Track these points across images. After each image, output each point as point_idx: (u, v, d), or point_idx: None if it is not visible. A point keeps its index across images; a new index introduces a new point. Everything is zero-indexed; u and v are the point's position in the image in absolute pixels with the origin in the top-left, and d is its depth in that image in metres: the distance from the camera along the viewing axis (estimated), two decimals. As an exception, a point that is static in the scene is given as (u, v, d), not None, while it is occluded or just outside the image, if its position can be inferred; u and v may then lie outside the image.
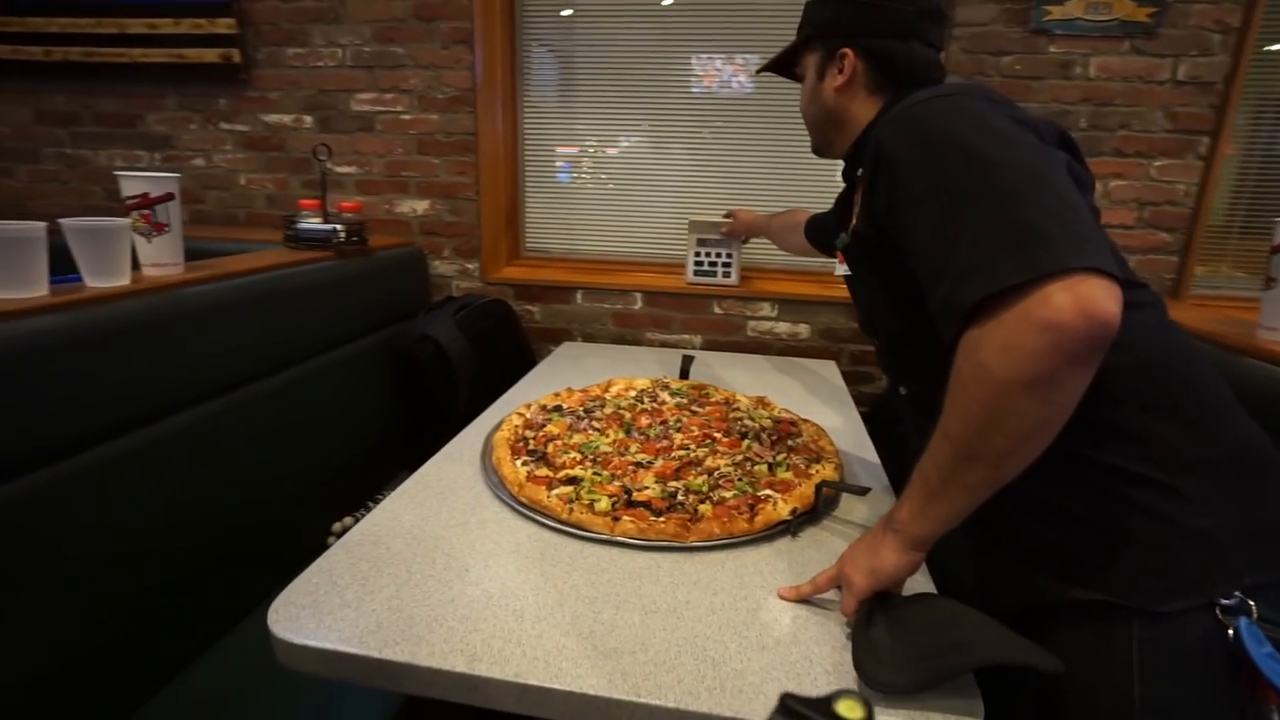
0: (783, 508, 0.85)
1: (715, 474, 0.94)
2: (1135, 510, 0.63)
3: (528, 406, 1.16)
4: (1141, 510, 0.62)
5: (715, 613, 0.68)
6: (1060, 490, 0.65)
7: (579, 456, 0.98)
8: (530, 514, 0.85)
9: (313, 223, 1.45)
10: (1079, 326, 0.47)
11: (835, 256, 0.86)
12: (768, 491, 0.89)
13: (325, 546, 0.77)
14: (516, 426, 1.07)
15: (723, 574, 0.75)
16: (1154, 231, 1.56)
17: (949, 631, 0.60)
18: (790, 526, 0.84)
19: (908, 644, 0.59)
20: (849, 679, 0.60)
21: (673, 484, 0.90)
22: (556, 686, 0.58)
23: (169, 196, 1.02)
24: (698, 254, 1.74)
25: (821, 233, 1.29)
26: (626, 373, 1.38)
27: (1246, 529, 0.61)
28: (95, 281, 0.93)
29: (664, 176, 1.82)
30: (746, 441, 1.04)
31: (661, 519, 0.82)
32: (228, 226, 1.94)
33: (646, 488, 0.89)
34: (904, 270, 0.64)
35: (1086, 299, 0.47)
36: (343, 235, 1.44)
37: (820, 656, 0.63)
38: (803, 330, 1.75)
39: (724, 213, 1.69)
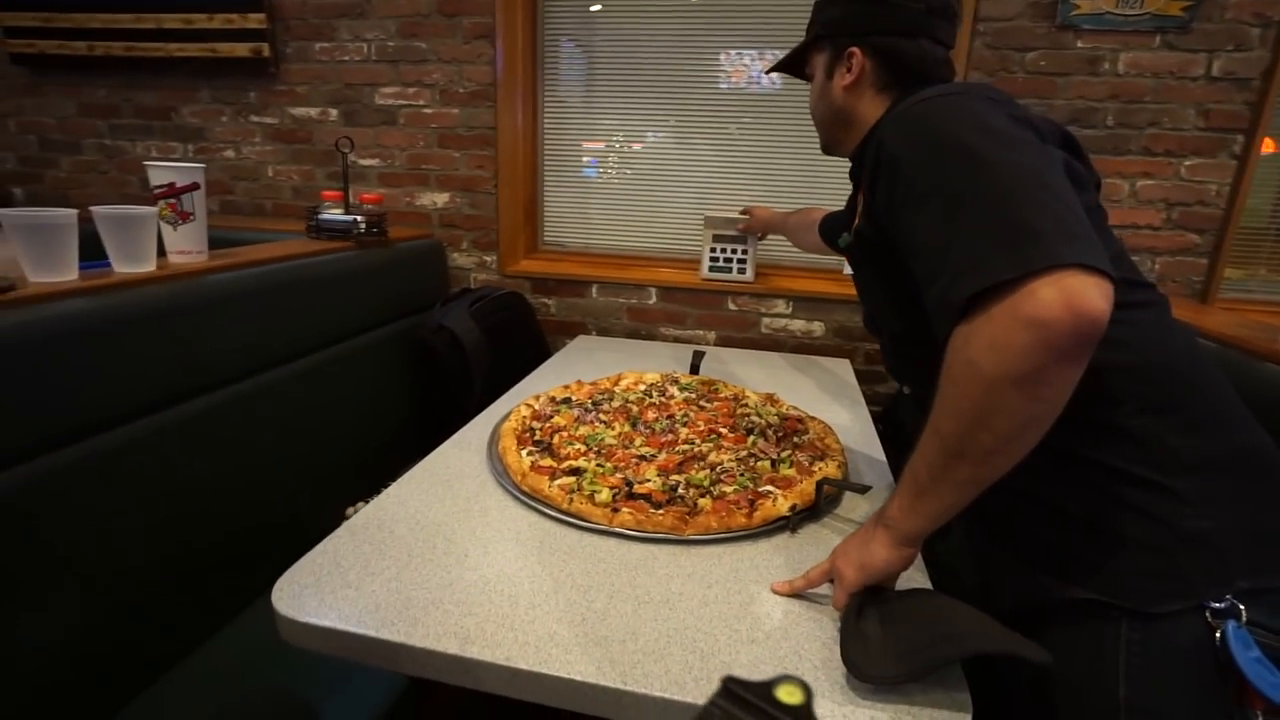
0: (782, 504, 0.85)
1: (717, 469, 0.94)
2: (1133, 511, 0.62)
3: (536, 398, 1.18)
4: (1139, 511, 0.62)
5: (708, 605, 0.69)
6: (1058, 490, 0.65)
7: (583, 448, 0.99)
8: (532, 503, 0.86)
9: (334, 214, 1.48)
10: (1066, 322, 0.47)
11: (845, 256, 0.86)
12: (769, 487, 0.89)
13: (338, 530, 0.79)
14: (524, 417, 1.09)
15: (719, 568, 0.76)
16: (1182, 233, 1.52)
17: (939, 624, 0.60)
18: (789, 523, 0.84)
19: (898, 637, 0.59)
20: (838, 674, 0.60)
21: (674, 477, 0.91)
22: (546, 671, 0.59)
23: (194, 186, 1.06)
24: (713, 250, 1.74)
25: (834, 231, 1.28)
26: (639, 367, 1.39)
27: (1246, 533, 0.60)
28: (123, 267, 0.97)
29: (682, 172, 1.82)
30: (752, 437, 1.05)
31: (660, 511, 0.82)
32: (255, 217, 2.00)
33: (648, 480, 0.90)
34: (905, 270, 0.64)
35: (1074, 294, 0.47)
36: (363, 226, 1.47)
37: (810, 651, 0.63)
38: (817, 328, 1.74)
39: (740, 209, 1.69)
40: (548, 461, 0.94)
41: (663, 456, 0.98)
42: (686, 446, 1.02)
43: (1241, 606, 0.57)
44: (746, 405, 1.19)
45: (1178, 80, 1.44)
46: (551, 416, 1.10)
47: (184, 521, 0.99)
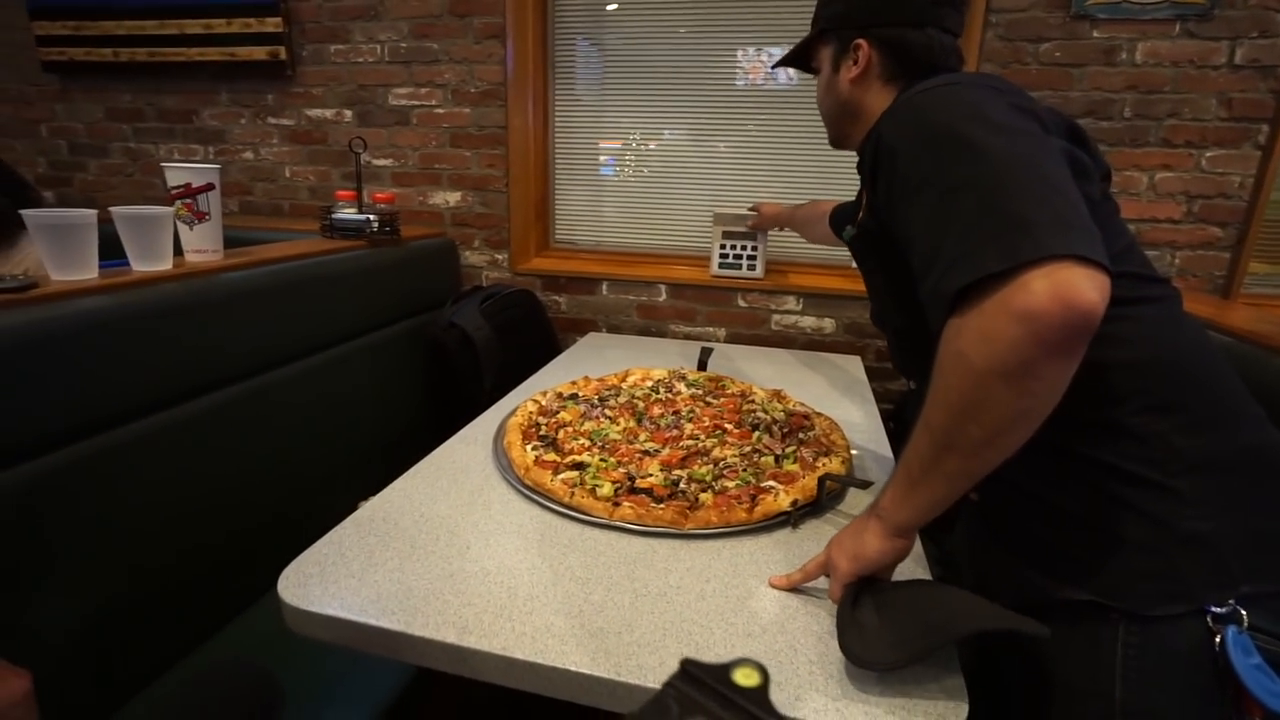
0: (783, 499, 0.85)
1: (720, 464, 0.94)
2: (1131, 511, 0.61)
3: (543, 394, 1.19)
4: (1137, 511, 0.61)
5: (705, 599, 0.69)
6: (1057, 487, 0.64)
7: (588, 443, 1.00)
8: (534, 497, 0.87)
9: (348, 213, 1.51)
10: (1056, 314, 0.46)
11: None
12: (771, 483, 0.89)
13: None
14: (530, 412, 1.10)
15: (718, 562, 0.76)
16: (1204, 226, 1.48)
17: (935, 610, 0.60)
18: (791, 518, 0.84)
19: (894, 623, 0.59)
20: (835, 668, 0.60)
21: (677, 472, 0.91)
22: (541, 661, 0.59)
23: (209, 186, 1.08)
24: (723, 247, 1.73)
25: (843, 223, 1.27)
26: (648, 364, 1.40)
27: (1249, 535, 0.59)
28: (141, 266, 0.99)
29: (692, 170, 1.82)
30: (757, 434, 1.04)
31: (661, 506, 0.83)
32: (273, 217, 2.04)
33: (650, 475, 0.90)
34: (905, 264, 0.64)
35: (1066, 287, 0.46)
36: (375, 225, 1.50)
37: (805, 646, 0.63)
38: (828, 325, 1.73)
39: (748, 206, 1.68)
40: (551, 456, 0.95)
41: (666, 452, 0.98)
42: (691, 442, 1.02)
43: (1243, 611, 0.56)
44: (753, 401, 1.19)
45: (1198, 69, 1.41)
46: (557, 412, 1.11)
47: (197, 515, 1.01)
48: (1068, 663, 0.62)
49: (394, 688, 0.93)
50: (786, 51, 0.96)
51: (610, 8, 1.75)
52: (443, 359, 1.58)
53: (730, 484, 0.89)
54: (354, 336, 1.40)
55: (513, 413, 1.11)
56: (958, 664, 0.61)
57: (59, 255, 0.89)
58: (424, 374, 1.62)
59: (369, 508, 0.84)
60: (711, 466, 0.93)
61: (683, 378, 1.31)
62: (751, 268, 1.72)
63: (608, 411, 1.12)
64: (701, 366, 1.41)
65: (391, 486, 0.89)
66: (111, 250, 0.98)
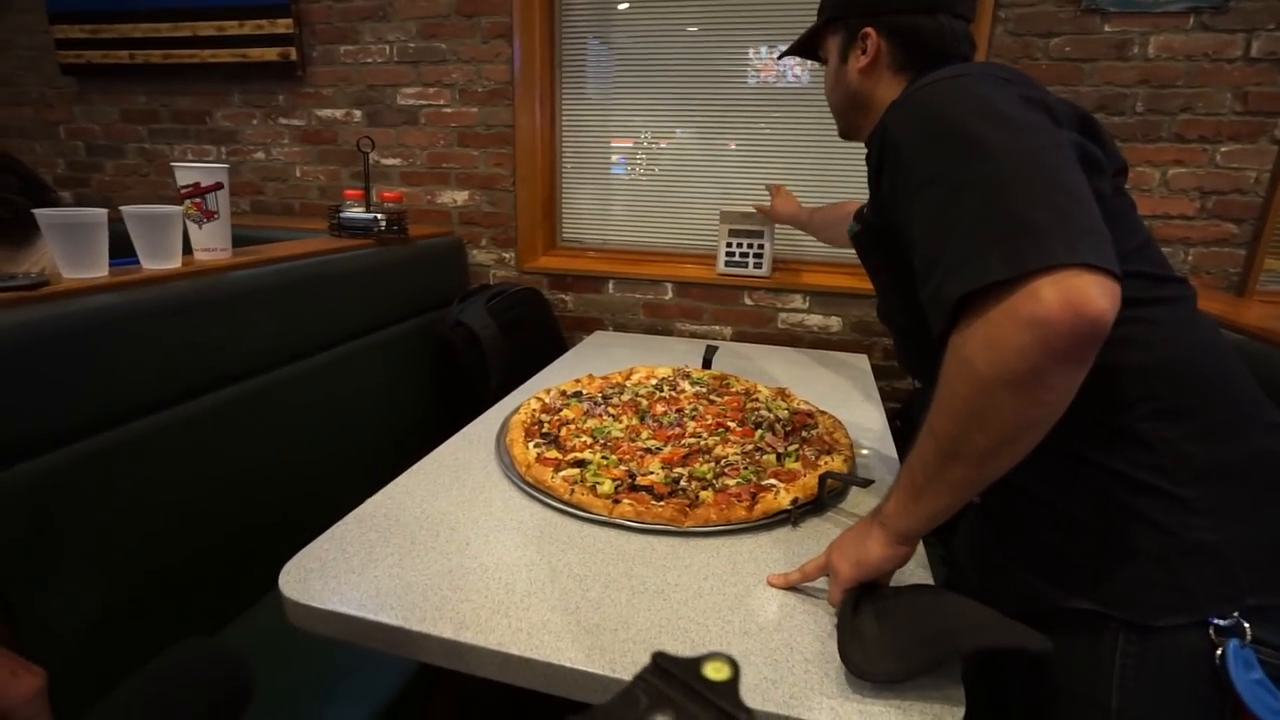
0: (784, 497, 0.84)
1: (722, 462, 0.94)
2: (1136, 519, 0.59)
3: (547, 391, 1.19)
4: (1143, 519, 0.59)
5: (703, 596, 0.69)
6: (1062, 493, 0.63)
7: (590, 441, 1.00)
8: (535, 494, 0.88)
9: (356, 212, 1.52)
10: (1065, 322, 0.45)
11: None
12: (772, 481, 0.88)
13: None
14: (534, 410, 1.11)
15: (717, 560, 0.76)
16: (1218, 222, 1.45)
17: (936, 619, 0.59)
18: (791, 516, 0.84)
19: (895, 634, 0.59)
20: (832, 668, 0.60)
21: (678, 470, 0.91)
22: (536, 657, 0.60)
23: (218, 186, 1.10)
24: (729, 245, 1.73)
25: None
26: (654, 362, 1.39)
27: (1259, 545, 0.57)
28: (150, 264, 1.01)
29: (699, 168, 1.82)
30: (760, 432, 1.04)
31: (661, 504, 0.83)
32: (284, 216, 2.06)
33: (651, 473, 0.90)
34: (909, 263, 0.62)
35: (1075, 294, 0.45)
36: (383, 224, 1.51)
37: (802, 644, 0.63)
38: (834, 323, 1.72)
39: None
40: (553, 454, 0.95)
41: (668, 449, 0.98)
42: (693, 440, 1.02)
43: (1247, 624, 0.55)
44: (757, 400, 1.19)
45: (1213, 62, 1.38)
46: (561, 410, 1.11)
47: (206, 512, 1.03)
48: (1066, 669, 0.61)
49: (395, 685, 0.94)
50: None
51: (622, 6, 1.75)
52: (450, 357, 1.58)
53: (731, 482, 0.89)
54: (361, 335, 1.41)
55: (516, 410, 1.12)
56: (957, 666, 0.60)
57: (70, 253, 0.91)
58: (431, 372, 1.63)
59: (370, 504, 0.84)
60: (713, 464, 0.93)
61: (687, 376, 1.31)
62: (758, 266, 1.71)
63: (611, 409, 1.12)
64: (706, 365, 1.41)
65: (394, 483, 0.90)
66: (124, 249, 0.99)
